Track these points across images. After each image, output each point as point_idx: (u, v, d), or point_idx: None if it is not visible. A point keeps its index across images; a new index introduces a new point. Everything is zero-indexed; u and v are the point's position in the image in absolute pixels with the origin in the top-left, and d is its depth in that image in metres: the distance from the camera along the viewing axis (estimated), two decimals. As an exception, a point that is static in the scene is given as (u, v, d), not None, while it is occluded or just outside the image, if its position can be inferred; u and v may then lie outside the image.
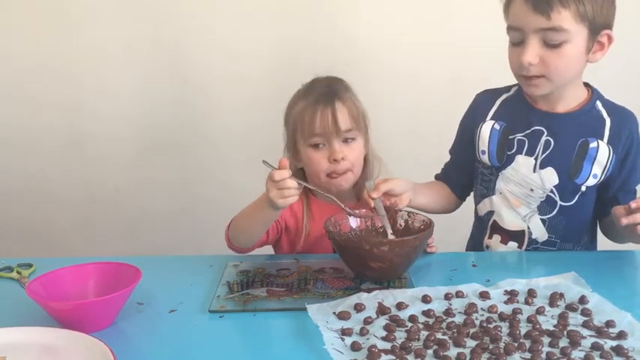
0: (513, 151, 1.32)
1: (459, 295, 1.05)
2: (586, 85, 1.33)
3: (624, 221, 1.13)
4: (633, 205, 1.12)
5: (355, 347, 0.88)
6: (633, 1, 1.95)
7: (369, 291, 1.07)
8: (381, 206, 1.21)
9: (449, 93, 1.91)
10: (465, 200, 1.49)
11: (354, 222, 1.24)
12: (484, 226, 1.38)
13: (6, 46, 2.00)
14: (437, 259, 1.27)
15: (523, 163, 1.31)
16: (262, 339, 0.96)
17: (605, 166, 1.28)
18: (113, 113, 2.06)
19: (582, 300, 1.02)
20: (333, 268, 1.20)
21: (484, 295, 1.05)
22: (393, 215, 1.24)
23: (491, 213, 1.36)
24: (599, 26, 1.19)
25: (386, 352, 0.87)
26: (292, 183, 1.12)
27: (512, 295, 1.05)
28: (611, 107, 1.31)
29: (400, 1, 1.96)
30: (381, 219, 1.21)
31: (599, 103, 1.30)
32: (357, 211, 1.24)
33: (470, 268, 1.22)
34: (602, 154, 1.27)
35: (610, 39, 1.22)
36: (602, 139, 1.28)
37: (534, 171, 1.30)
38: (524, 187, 1.31)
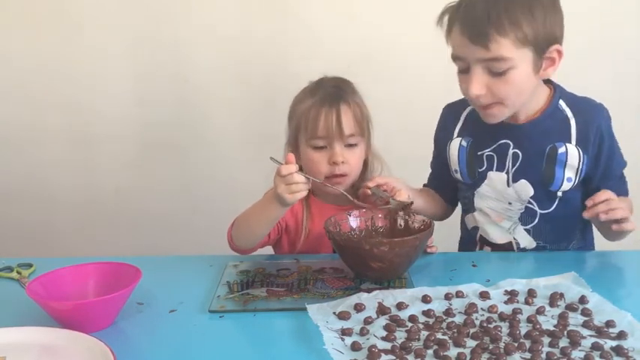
0: (484, 168, 1.30)
1: (459, 295, 1.05)
2: (547, 81, 1.28)
3: (586, 215, 1.14)
4: (589, 203, 1.14)
5: (355, 347, 0.88)
6: (633, 1, 1.96)
7: (369, 291, 1.07)
8: (379, 190, 1.23)
9: (449, 93, 1.91)
10: (456, 206, 1.48)
11: (354, 222, 1.24)
12: (473, 239, 1.38)
13: (6, 46, 2.00)
14: (437, 259, 1.27)
15: (496, 179, 1.29)
16: (262, 339, 0.96)
17: (578, 169, 1.25)
18: (113, 113, 2.06)
19: (582, 300, 1.02)
20: (333, 268, 1.20)
21: (484, 295, 1.05)
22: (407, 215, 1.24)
23: (476, 228, 1.36)
24: (544, 44, 1.14)
25: (386, 352, 0.87)
26: (300, 177, 1.12)
27: (512, 295, 1.05)
28: (575, 104, 1.27)
29: (400, 1, 1.96)
30: (383, 198, 1.23)
31: (562, 102, 1.26)
32: (356, 214, 1.24)
33: (470, 268, 1.22)
34: (572, 157, 1.24)
35: (560, 53, 1.17)
36: (570, 142, 1.24)
37: (508, 185, 1.28)
38: (501, 202, 1.30)
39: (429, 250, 1.27)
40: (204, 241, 2.02)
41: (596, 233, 1.42)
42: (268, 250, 1.41)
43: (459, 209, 1.48)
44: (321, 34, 1.96)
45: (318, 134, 1.30)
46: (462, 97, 1.30)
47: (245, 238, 1.27)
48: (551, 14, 1.14)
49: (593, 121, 1.25)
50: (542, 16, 1.12)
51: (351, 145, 1.32)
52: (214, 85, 2.02)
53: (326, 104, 1.30)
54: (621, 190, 1.30)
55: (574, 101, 1.27)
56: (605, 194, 1.15)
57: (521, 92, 1.18)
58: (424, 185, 1.49)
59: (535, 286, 1.08)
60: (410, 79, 2.00)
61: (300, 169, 1.36)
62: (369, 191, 1.23)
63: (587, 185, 1.30)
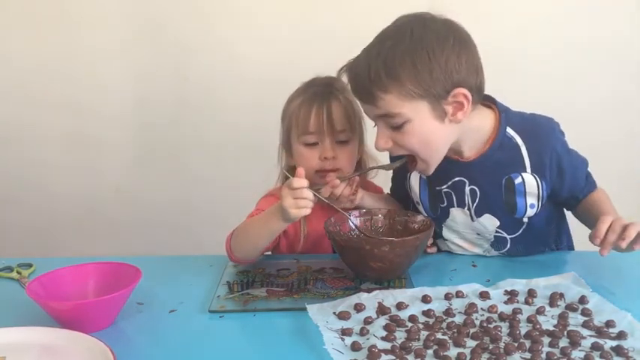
0: (445, 204, 1.26)
1: (459, 295, 1.05)
2: (490, 105, 1.21)
3: (604, 253, 1.07)
4: (596, 242, 1.07)
5: (355, 347, 0.88)
6: (633, 1, 1.96)
7: (369, 291, 1.07)
8: (344, 176, 1.25)
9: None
10: None
11: (354, 222, 1.24)
12: None
13: (6, 46, 2.00)
14: (437, 259, 1.27)
15: (459, 215, 1.26)
16: (262, 339, 0.96)
17: (539, 195, 1.20)
18: (113, 113, 2.06)
19: (582, 300, 1.02)
20: (333, 268, 1.20)
21: (484, 295, 1.05)
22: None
23: (449, 251, 1.33)
24: (441, 93, 1.07)
25: (386, 352, 0.87)
26: (309, 194, 1.09)
27: (512, 295, 1.05)
28: (524, 128, 1.20)
29: (400, 2, 1.96)
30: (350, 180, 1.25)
31: (509, 130, 1.19)
32: (356, 214, 1.24)
33: (470, 268, 1.22)
34: (531, 186, 1.20)
35: (466, 96, 1.08)
36: (525, 171, 1.19)
37: (473, 220, 1.25)
38: (470, 234, 1.27)
39: (428, 250, 1.27)
40: (205, 241, 2.02)
41: (575, 235, 1.40)
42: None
43: None
44: (321, 35, 1.96)
45: (309, 130, 1.29)
46: None
47: (244, 250, 1.22)
48: (441, 62, 1.06)
49: (547, 147, 1.19)
50: (427, 67, 1.05)
51: (342, 142, 1.31)
52: (215, 85, 2.02)
53: (316, 101, 1.29)
54: (591, 187, 1.28)
55: (522, 125, 1.20)
56: (604, 224, 1.06)
57: (428, 142, 1.12)
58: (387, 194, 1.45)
59: (535, 286, 1.08)
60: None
61: (294, 170, 1.36)
62: (337, 182, 1.21)
63: (556, 198, 1.26)
